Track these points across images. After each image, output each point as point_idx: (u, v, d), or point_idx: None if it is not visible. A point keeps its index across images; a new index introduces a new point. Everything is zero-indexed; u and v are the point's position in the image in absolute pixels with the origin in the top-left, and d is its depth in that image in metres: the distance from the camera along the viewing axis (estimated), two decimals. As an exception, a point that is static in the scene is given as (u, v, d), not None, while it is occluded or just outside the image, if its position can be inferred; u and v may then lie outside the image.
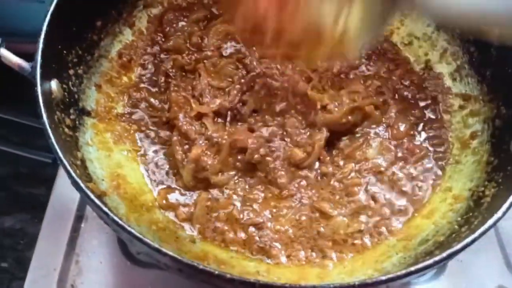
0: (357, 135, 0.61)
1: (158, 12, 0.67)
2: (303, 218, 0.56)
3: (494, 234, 0.66)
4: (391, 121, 0.62)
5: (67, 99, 0.54)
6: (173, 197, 0.57)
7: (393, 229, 0.56)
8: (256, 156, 0.57)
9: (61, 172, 0.68)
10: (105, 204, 0.45)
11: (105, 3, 0.60)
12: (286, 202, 0.57)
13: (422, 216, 0.56)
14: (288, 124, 0.60)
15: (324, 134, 0.59)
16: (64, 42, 0.54)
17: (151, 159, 0.59)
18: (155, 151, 0.59)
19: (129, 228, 0.40)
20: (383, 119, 0.62)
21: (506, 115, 0.57)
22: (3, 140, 0.90)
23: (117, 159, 0.57)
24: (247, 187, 0.58)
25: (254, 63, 0.61)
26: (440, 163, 0.60)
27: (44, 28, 0.50)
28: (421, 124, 0.63)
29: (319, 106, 0.60)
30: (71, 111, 0.54)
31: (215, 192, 0.57)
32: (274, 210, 0.57)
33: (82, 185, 0.43)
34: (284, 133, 0.60)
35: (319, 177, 0.59)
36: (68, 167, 0.44)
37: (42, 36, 0.50)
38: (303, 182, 0.58)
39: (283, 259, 0.54)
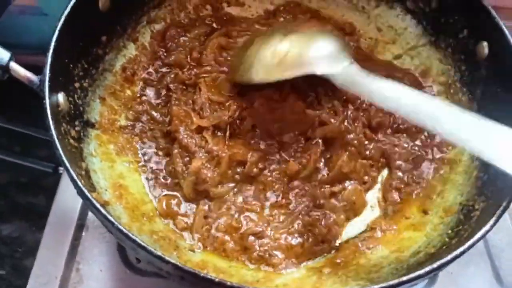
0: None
1: (161, 28, 0.69)
2: (301, 225, 0.58)
3: (483, 246, 0.68)
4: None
5: (73, 111, 0.55)
6: (173, 205, 0.58)
7: (386, 237, 0.58)
8: (254, 169, 0.60)
9: (63, 182, 0.70)
10: (109, 214, 0.46)
11: (111, 19, 0.61)
12: (283, 211, 0.59)
13: (415, 228, 0.58)
14: (285, 138, 0.62)
15: (319, 147, 0.61)
16: (71, 56, 0.56)
17: (152, 171, 0.60)
18: (156, 163, 0.61)
19: (133, 237, 0.42)
20: None
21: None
22: (3, 149, 0.91)
23: (120, 170, 0.58)
24: (245, 197, 0.60)
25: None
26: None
27: (53, 43, 0.52)
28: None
29: (316, 123, 0.62)
30: (76, 123, 0.56)
31: (214, 202, 0.59)
32: (272, 219, 0.59)
33: (88, 195, 0.45)
34: (281, 146, 0.62)
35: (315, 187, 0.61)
36: (75, 177, 0.45)
37: (51, 50, 0.51)
38: (300, 192, 0.60)
39: (282, 267, 0.56)
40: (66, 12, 0.54)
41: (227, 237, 0.57)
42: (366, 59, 0.69)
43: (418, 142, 0.65)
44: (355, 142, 0.62)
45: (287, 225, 0.59)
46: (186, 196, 0.58)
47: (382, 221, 0.60)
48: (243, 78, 0.62)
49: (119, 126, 0.62)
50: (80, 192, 0.45)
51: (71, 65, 0.56)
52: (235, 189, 0.60)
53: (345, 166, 0.60)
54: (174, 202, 0.59)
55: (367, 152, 0.63)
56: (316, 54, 0.58)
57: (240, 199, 0.59)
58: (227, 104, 0.62)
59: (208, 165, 0.58)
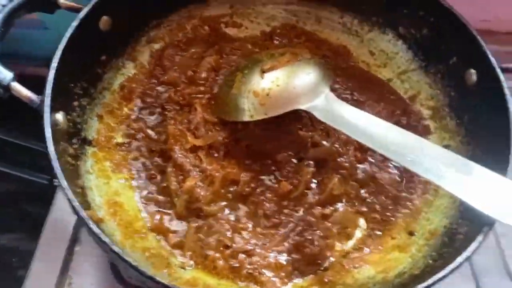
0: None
1: (159, 47, 0.71)
2: (291, 245, 0.59)
3: (468, 267, 0.70)
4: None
5: (71, 129, 0.57)
6: (165, 221, 0.60)
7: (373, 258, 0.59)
8: (247, 188, 0.61)
9: (58, 195, 0.71)
10: (103, 231, 0.48)
11: (111, 39, 0.63)
12: (274, 230, 0.60)
13: (401, 250, 0.59)
14: (279, 158, 0.63)
15: (311, 168, 0.63)
16: (71, 76, 0.58)
17: (146, 188, 0.61)
18: (151, 180, 0.62)
19: (125, 258, 0.43)
20: None
21: (481, 157, 0.61)
22: (-2, 159, 0.92)
23: (115, 187, 0.60)
24: (237, 216, 0.61)
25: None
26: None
27: (54, 64, 0.53)
28: None
29: (309, 144, 0.64)
30: (74, 140, 0.57)
31: (206, 220, 0.60)
32: (263, 238, 0.60)
33: (82, 214, 0.46)
34: (275, 167, 0.63)
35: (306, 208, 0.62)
36: (71, 196, 0.47)
37: (52, 71, 0.53)
38: (291, 212, 0.62)
39: (270, 285, 0.57)
40: (68, 33, 0.56)
41: (217, 255, 0.58)
42: (362, 75, 0.72)
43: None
44: (347, 164, 0.64)
45: (277, 244, 0.60)
46: (179, 214, 0.59)
47: (369, 241, 0.61)
48: (229, 117, 0.63)
49: (116, 144, 0.63)
50: (76, 212, 0.46)
51: (71, 85, 0.58)
52: (227, 208, 0.61)
53: (335, 189, 0.61)
54: (167, 218, 0.60)
55: (358, 176, 0.64)
56: (298, 90, 0.60)
57: (232, 217, 0.60)
58: (222, 124, 0.63)
59: (202, 184, 0.60)
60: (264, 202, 0.62)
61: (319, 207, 0.62)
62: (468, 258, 0.48)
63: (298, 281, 0.58)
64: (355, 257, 0.60)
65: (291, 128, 0.64)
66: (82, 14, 0.57)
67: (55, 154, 0.48)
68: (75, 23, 0.56)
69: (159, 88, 0.68)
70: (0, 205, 0.94)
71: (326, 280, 0.57)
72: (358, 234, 0.62)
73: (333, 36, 0.76)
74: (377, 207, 0.63)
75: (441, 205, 0.62)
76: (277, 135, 0.64)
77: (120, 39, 0.66)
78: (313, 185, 0.63)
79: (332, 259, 0.60)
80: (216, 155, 0.62)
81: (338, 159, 0.64)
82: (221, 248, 0.59)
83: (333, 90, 0.69)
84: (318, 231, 0.60)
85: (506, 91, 0.58)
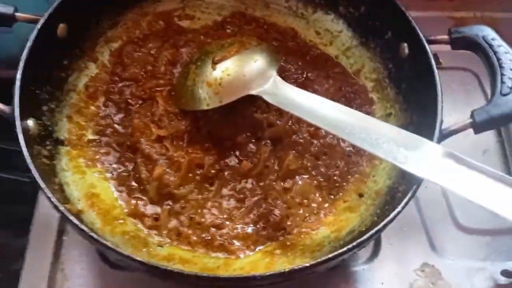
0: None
1: (118, 46, 0.75)
2: (256, 216, 0.66)
3: (420, 221, 0.77)
4: None
5: (43, 133, 0.62)
6: (140, 206, 0.65)
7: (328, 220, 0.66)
8: (212, 170, 0.67)
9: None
10: (82, 221, 0.54)
11: (70, 44, 0.67)
12: (240, 204, 0.67)
13: (351, 210, 0.67)
14: (238, 141, 0.69)
15: (268, 147, 0.69)
16: (36, 83, 0.62)
17: (120, 178, 0.67)
18: (123, 171, 0.67)
19: (102, 241, 0.50)
20: None
21: (416, 122, 0.68)
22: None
23: (90, 180, 0.65)
24: (206, 196, 0.67)
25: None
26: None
27: (19, 74, 0.58)
28: None
29: (265, 125, 0.69)
30: (47, 142, 0.62)
31: (178, 203, 0.66)
32: (230, 212, 0.66)
33: (61, 208, 0.52)
34: (236, 148, 0.69)
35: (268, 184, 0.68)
36: (49, 194, 0.53)
37: (18, 82, 0.57)
38: (253, 187, 0.68)
39: (239, 253, 0.64)
40: (28, 43, 0.60)
41: (190, 231, 0.64)
42: (311, 55, 0.78)
43: None
44: (301, 140, 0.70)
45: (243, 216, 0.66)
46: (152, 199, 0.65)
47: (325, 205, 0.68)
48: (188, 107, 0.68)
49: (87, 141, 0.68)
50: (54, 206, 0.52)
51: (37, 91, 0.63)
52: (196, 189, 0.66)
53: (291, 164, 0.68)
54: (141, 204, 0.66)
55: (313, 150, 0.70)
56: (248, 77, 0.65)
57: (200, 197, 0.66)
58: (183, 114, 0.69)
59: (170, 171, 0.65)
60: (229, 181, 0.68)
61: (281, 182, 0.68)
62: (398, 213, 0.55)
63: (263, 247, 0.65)
64: (312, 221, 0.67)
65: (247, 112, 0.70)
66: (39, 25, 0.61)
67: (30, 157, 0.54)
68: (33, 35, 0.60)
69: (122, 85, 0.72)
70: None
71: (288, 243, 0.64)
72: (315, 201, 0.70)
73: (280, 19, 0.81)
74: (332, 176, 0.70)
75: (386, 167, 0.69)
76: (235, 119, 0.69)
77: (79, 42, 0.70)
78: (273, 162, 0.69)
79: (292, 225, 0.66)
80: (180, 143, 0.68)
81: (293, 136, 0.70)
82: (194, 225, 0.65)
83: (285, 70, 0.76)
84: (280, 203, 0.66)
85: (433, 61, 0.64)
